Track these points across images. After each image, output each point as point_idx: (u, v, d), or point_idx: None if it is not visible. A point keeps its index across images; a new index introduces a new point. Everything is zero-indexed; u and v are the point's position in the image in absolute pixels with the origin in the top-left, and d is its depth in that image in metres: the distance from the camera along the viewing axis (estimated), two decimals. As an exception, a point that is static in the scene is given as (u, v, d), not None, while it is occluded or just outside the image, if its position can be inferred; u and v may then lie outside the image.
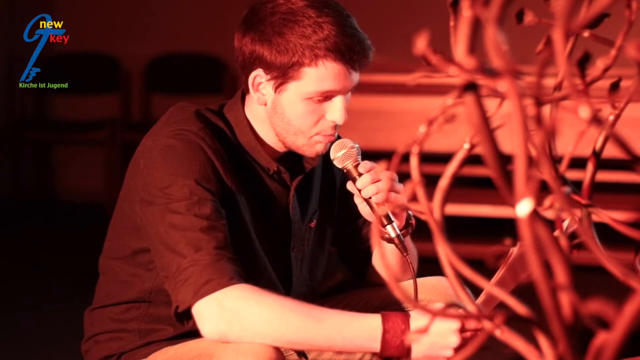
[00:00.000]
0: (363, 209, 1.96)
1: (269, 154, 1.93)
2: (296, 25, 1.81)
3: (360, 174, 1.89)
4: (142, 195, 1.83)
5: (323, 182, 2.07)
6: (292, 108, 1.85)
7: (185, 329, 1.85)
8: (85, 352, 2.02)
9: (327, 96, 1.84)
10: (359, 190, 1.90)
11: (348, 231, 2.12)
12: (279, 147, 1.94)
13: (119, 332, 1.95)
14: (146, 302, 1.92)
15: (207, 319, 1.70)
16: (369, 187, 1.88)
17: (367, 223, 2.10)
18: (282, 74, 1.82)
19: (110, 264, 1.96)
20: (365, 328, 1.71)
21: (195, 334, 1.78)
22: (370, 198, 1.89)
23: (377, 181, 1.89)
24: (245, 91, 1.92)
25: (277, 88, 1.85)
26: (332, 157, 1.91)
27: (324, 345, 1.72)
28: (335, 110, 1.85)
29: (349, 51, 1.81)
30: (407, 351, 1.72)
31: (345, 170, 1.92)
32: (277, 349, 1.71)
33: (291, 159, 1.98)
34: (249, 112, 1.93)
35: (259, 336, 1.69)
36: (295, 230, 2.00)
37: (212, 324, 1.70)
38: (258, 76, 1.85)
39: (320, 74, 1.81)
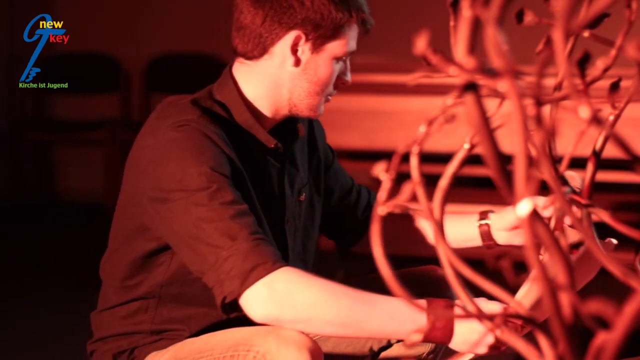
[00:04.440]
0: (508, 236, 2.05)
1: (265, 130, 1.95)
2: None
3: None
4: (151, 194, 1.81)
5: (310, 156, 2.09)
6: (323, 68, 1.90)
7: (202, 328, 1.86)
8: (92, 351, 2.00)
9: (345, 57, 1.93)
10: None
11: (341, 204, 2.15)
12: (276, 118, 1.96)
13: (130, 334, 1.94)
14: (154, 299, 1.90)
15: (259, 304, 1.69)
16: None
17: (361, 195, 2.16)
18: (326, 34, 1.87)
19: (115, 266, 1.95)
20: (413, 312, 1.70)
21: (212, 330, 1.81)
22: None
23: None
24: (255, 56, 1.90)
25: (315, 48, 1.90)
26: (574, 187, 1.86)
27: (374, 328, 1.71)
28: (348, 71, 1.95)
29: (369, 15, 1.91)
30: (449, 336, 1.71)
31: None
32: (315, 342, 1.73)
33: (279, 132, 1.99)
34: (247, 86, 1.93)
35: (312, 320, 1.69)
36: (288, 204, 2.00)
37: (264, 308, 1.69)
38: (297, 37, 1.87)
39: (352, 35, 1.90)
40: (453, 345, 1.71)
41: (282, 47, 1.88)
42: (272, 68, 1.90)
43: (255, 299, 1.69)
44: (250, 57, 1.91)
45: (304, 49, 1.88)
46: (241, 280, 1.70)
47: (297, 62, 1.89)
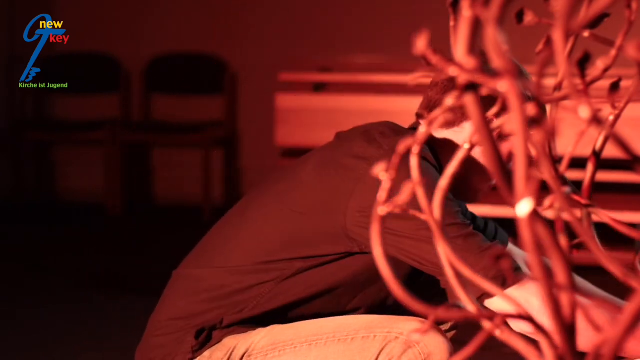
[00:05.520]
0: None
1: None
2: None
3: None
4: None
5: None
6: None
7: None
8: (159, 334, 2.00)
9: None
10: None
11: None
12: None
13: (214, 315, 1.95)
14: (270, 285, 1.94)
15: (529, 306, 1.73)
16: None
17: (487, 226, 2.21)
18: None
19: (253, 250, 1.96)
20: None
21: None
22: None
23: None
24: (442, 127, 1.98)
25: (503, 136, 1.94)
26: None
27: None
28: None
29: None
30: None
31: None
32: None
33: None
34: (441, 150, 2.00)
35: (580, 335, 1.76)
36: None
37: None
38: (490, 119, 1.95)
39: None
40: None
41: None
42: (457, 141, 1.98)
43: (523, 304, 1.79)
44: (444, 127, 2.00)
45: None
46: (502, 282, 1.76)
47: None
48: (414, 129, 2.02)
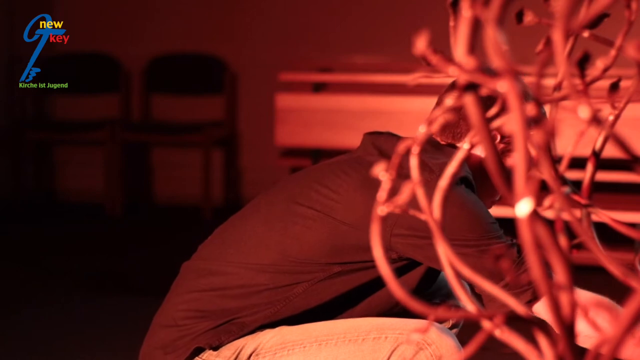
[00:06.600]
0: None
1: None
2: None
3: None
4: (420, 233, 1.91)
5: None
6: None
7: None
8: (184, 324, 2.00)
9: None
10: None
11: None
12: None
13: (238, 315, 1.96)
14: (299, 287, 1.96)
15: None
16: None
17: None
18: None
19: (289, 252, 1.98)
20: None
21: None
22: None
23: None
24: (448, 140, 2.03)
25: (505, 152, 2.01)
26: None
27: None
28: None
29: None
30: None
31: None
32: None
33: None
34: (472, 169, 2.04)
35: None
36: None
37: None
38: (493, 136, 1.99)
39: None
40: None
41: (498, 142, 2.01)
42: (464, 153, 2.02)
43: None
44: (444, 139, 2.03)
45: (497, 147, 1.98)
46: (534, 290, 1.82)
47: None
48: (451, 145, 2.03)
